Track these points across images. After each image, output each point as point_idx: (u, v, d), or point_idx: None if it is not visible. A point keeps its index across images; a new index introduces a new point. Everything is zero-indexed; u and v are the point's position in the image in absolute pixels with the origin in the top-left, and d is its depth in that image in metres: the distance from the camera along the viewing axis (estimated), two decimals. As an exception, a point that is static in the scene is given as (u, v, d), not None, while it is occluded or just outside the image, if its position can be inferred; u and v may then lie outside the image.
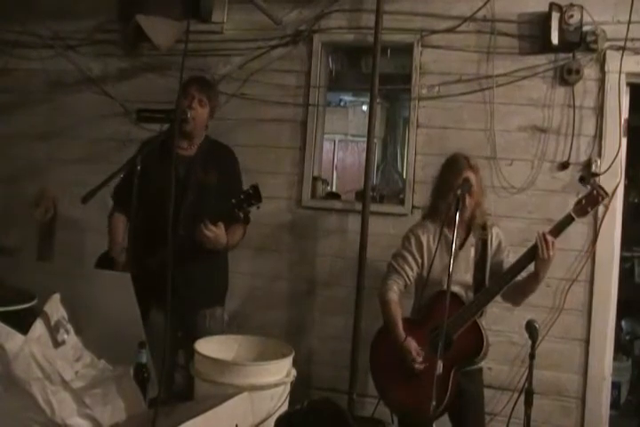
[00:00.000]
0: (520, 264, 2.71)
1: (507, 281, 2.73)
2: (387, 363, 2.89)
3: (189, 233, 2.77)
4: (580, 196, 2.68)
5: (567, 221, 2.66)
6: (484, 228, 2.88)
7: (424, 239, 2.89)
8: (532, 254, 2.67)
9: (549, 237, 2.63)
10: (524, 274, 2.74)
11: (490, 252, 2.85)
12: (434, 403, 2.41)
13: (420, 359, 2.74)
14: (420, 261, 2.90)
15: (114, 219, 3.08)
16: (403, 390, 2.80)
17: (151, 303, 2.67)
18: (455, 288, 2.74)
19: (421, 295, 2.87)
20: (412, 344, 2.77)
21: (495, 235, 2.88)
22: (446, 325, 2.51)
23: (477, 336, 2.71)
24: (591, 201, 2.64)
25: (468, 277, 2.82)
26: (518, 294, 2.82)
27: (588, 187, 2.73)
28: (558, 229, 2.68)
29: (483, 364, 2.90)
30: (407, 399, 2.78)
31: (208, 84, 3.12)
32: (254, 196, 2.68)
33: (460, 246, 2.81)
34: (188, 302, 2.86)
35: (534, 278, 2.71)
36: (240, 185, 3.04)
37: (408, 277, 2.90)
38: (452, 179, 2.80)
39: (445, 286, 2.65)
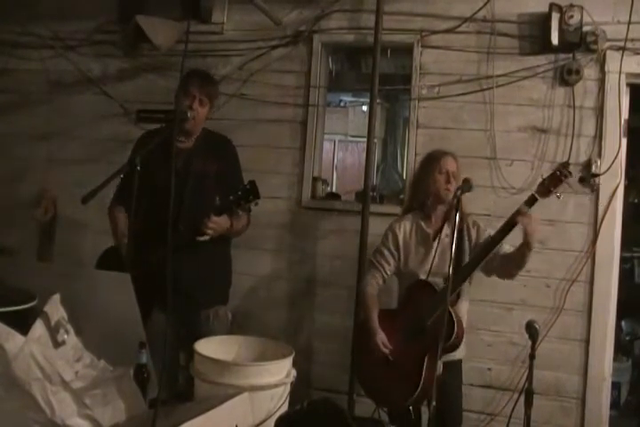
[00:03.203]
0: (493, 243, 2.72)
1: (478, 262, 2.75)
2: (364, 355, 2.97)
3: (190, 228, 2.78)
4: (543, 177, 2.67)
5: (530, 201, 2.66)
6: (460, 218, 2.85)
7: (400, 234, 2.99)
8: (509, 226, 2.68)
9: (522, 207, 2.65)
10: (509, 247, 2.76)
11: (467, 240, 2.89)
12: (433, 403, 2.41)
13: (386, 351, 2.82)
14: (396, 255, 2.99)
15: (115, 211, 3.06)
16: (379, 379, 2.88)
17: (153, 302, 2.67)
18: (433, 279, 2.83)
19: (402, 288, 2.99)
20: (379, 333, 2.85)
21: (472, 223, 2.93)
22: (419, 313, 2.64)
23: (449, 322, 2.67)
24: (553, 181, 2.63)
25: (445, 268, 2.82)
26: (512, 267, 2.82)
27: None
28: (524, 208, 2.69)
29: (462, 355, 2.92)
30: (382, 388, 2.87)
31: (208, 80, 3.08)
32: (252, 192, 2.68)
33: (434, 238, 2.90)
34: (190, 301, 2.86)
35: (525, 248, 2.70)
36: (239, 173, 3.05)
37: (385, 271, 3.00)
38: (430, 168, 2.91)
39: (421, 278, 2.79)
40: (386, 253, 3.00)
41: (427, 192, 2.93)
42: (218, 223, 2.77)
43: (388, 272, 3.01)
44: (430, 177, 2.91)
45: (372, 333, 2.88)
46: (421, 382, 2.70)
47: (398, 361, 2.82)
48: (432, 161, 2.97)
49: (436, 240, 2.90)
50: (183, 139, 3.01)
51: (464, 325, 2.84)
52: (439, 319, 2.60)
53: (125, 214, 3.00)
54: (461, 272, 2.76)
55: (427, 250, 2.92)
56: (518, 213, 2.66)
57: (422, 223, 2.97)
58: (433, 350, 2.69)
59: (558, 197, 2.65)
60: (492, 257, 2.76)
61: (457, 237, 2.79)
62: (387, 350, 2.83)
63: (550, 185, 2.63)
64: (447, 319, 2.64)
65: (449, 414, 2.83)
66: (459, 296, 2.85)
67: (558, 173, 2.63)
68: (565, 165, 2.70)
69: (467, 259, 2.85)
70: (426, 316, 2.74)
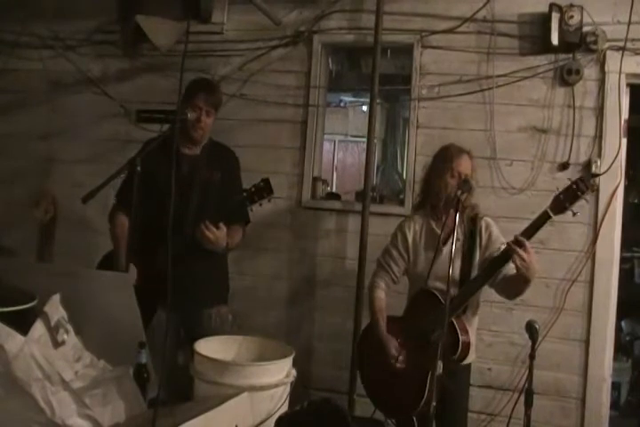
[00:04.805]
0: (491, 269, 2.58)
1: (481, 284, 2.63)
2: (370, 361, 2.91)
3: (194, 232, 2.78)
4: (558, 190, 2.44)
5: (543, 218, 2.44)
6: (473, 219, 2.78)
7: (410, 235, 2.87)
8: (505, 258, 2.50)
9: (521, 239, 2.44)
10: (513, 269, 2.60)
11: (478, 245, 2.75)
12: (433, 404, 2.40)
13: (400, 358, 2.72)
14: (405, 256, 2.88)
15: (117, 221, 3.02)
16: (384, 389, 2.81)
17: (156, 303, 2.67)
18: (438, 285, 2.68)
19: (412, 290, 2.89)
20: (392, 343, 2.76)
21: (485, 227, 2.76)
22: (424, 324, 2.54)
23: (454, 337, 2.59)
24: (570, 196, 2.38)
25: (454, 273, 2.67)
26: (510, 292, 2.70)
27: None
28: (533, 228, 2.48)
29: (471, 359, 2.81)
30: (388, 397, 2.80)
31: (214, 91, 3.06)
32: (265, 188, 2.67)
33: (445, 242, 2.72)
34: (192, 302, 2.87)
35: (522, 280, 2.55)
36: (240, 186, 3.05)
37: (394, 273, 2.90)
38: (442, 169, 2.76)
39: (429, 283, 2.67)
40: (395, 254, 2.88)
41: (438, 196, 2.77)
42: (214, 233, 2.75)
43: (397, 274, 2.90)
44: (442, 180, 2.74)
45: (383, 343, 2.77)
46: (425, 396, 2.60)
47: (404, 372, 2.72)
48: (445, 160, 2.79)
49: (447, 244, 2.69)
50: (190, 146, 3.03)
51: (473, 339, 2.70)
52: (443, 334, 2.44)
53: (127, 220, 2.96)
54: (467, 288, 2.63)
55: (436, 253, 2.72)
56: (514, 242, 2.44)
57: (433, 224, 2.82)
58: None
59: (574, 215, 2.41)
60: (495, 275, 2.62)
61: (468, 241, 2.74)
62: (401, 358, 2.71)
63: (566, 201, 2.39)
64: (453, 336, 2.56)
65: (450, 419, 2.80)
66: (465, 310, 2.69)
67: (575, 186, 2.38)
68: (583, 178, 2.43)
69: (475, 263, 2.73)
70: (430, 328, 2.59)
